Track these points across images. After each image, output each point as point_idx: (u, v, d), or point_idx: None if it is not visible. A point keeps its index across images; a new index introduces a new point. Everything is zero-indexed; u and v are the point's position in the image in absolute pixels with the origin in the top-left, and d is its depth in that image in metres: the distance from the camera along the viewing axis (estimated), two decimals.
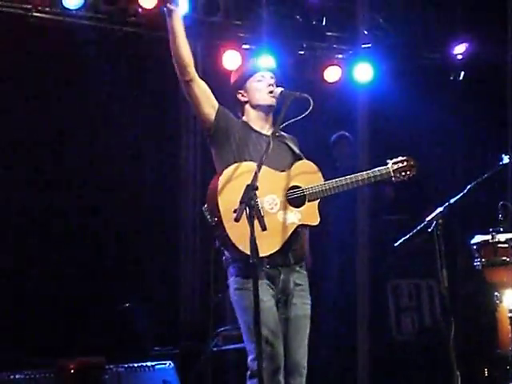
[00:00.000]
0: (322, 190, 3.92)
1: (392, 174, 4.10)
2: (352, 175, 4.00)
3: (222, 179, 3.79)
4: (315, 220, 3.94)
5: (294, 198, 3.90)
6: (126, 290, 6.50)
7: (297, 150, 4.05)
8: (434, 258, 4.95)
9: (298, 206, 3.90)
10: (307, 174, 3.95)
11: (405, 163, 4.13)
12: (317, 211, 3.94)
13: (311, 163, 4.02)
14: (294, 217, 3.88)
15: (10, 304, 6.12)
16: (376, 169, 4.07)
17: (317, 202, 3.94)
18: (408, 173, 4.13)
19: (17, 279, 6.26)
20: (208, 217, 3.78)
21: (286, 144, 4.03)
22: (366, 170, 4.05)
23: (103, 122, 6.65)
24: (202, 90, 3.92)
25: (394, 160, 4.14)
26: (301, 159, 4.01)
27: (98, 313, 6.32)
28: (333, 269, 7.09)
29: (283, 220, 3.85)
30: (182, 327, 6.71)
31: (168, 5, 3.86)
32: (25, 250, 6.35)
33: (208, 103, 3.93)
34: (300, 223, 3.90)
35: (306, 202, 3.91)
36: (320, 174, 4.01)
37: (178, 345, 6.34)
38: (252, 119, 4.04)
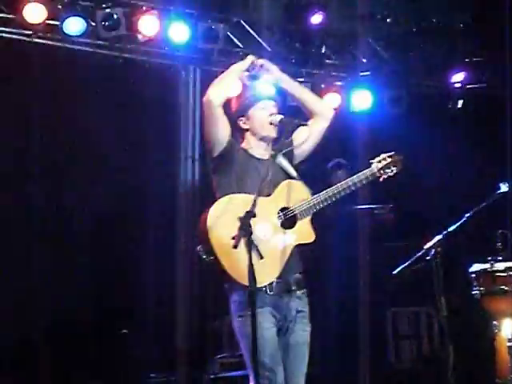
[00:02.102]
0: (311, 206, 3.89)
1: (378, 174, 4.06)
2: (338, 184, 3.95)
3: (210, 215, 3.76)
4: (310, 237, 3.90)
5: (286, 220, 3.87)
6: (123, 317, 6.47)
7: (290, 169, 4.01)
8: (432, 286, 4.94)
9: (290, 227, 3.87)
10: (293, 193, 3.91)
11: (388, 160, 4.09)
12: (310, 228, 3.91)
13: (295, 181, 3.97)
14: (289, 238, 3.85)
15: (7, 329, 6.09)
16: (361, 173, 4.03)
17: (309, 218, 3.90)
18: (393, 168, 4.10)
19: (14, 305, 6.24)
20: (204, 256, 3.76)
21: (279, 166, 4.01)
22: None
23: (103, 146, 6.67)
24: (223, 117, 3.94)
25: (377, 159, 4.10)
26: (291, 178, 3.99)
27: (95, 339, 6.29)
28: (334, 296, 7.07)
29: (279, 244, 3.83)
30: (178, 354, 6.67)
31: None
32: (20, 273, 6.33)
33: (225, 128, 3.94)
34: (296, 243, 3.87)
35: (298, 221, 3.88)
36: (306, 189, 3.97)
37: (175, 372, 6.30)
38: (252, 147, 4.05)
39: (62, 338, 6.26)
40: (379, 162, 4.09)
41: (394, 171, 4.11)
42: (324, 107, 4.21)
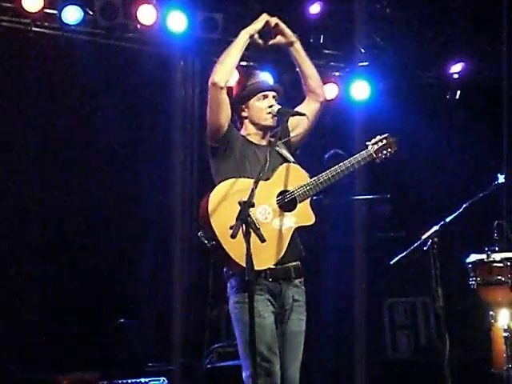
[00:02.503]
0: (311, 188, 3.92)
1: (374, 156, 4.09)
2: (336, 166, 3.98)
3: (211, 200, 3.78)
4: (311, 219, 3.93)
5: (285, 203, 3.89)
6: (120, 306, 6.48)
7: (287, 155, 4.03)
8: (429, 276, 4.96)
9: (290, 210, 3.89)
10: (292, 176, 3.93)
11: (384, 141, 4.12)
12: (310, 210, 3.93)
13: (293, 164, 3.99)
14: (290, 221, 3.87)
15: (4, 320, 6.10)
16: (357, 154, 4.06)
17: (308, 200, 3.93)
18: (390, 150, 4.13)
19: (12, 296, 6.24)
20: (206, 242, 3.76)
21: (277, 151, 4.02)
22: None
23: (100, 134, 6.67)
24: (226, 100, 3.94)
25: (373, 141, 4.13)
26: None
27: (92, 328, 6.29)
28: (329, 287, 7.08)
29: (280, 227, 3.84)
30: (176, 343, 6.68)
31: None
32: (20, 266, 6.34)
33: (226, 113, 3.94)
34: (297, 226, 3.89)
35: (298, 204, 3.90)
36: (304, 172, 3.99)
37: (172, 361, 6.31)
38: (251, 134, 4.06)
39: (58, 328, 6.27)
40: (375, 143, 4.12)
41: (390, 152, 4.13)
42: (321, 87, 4.19)
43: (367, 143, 4.13)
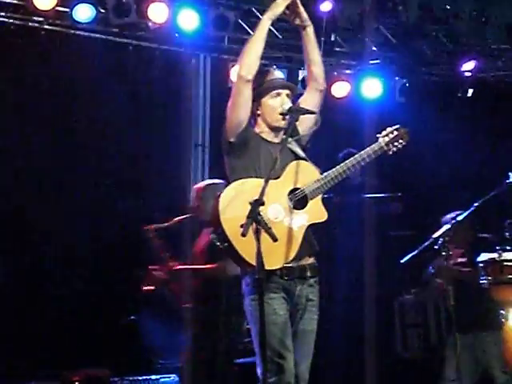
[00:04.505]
0: (322, 185, 3.89)
1: (385, 148, 4.03)
2: (347, 161, 3.94)
3: (222, 200, 3.77)
4: (323, 216, 3.90)
5: (297, 201, 3.86)
6: (132, 303, 6.50)
7: (299, 151, 4.01)
8: None
9: (302, 208, 3.86)
10: (302, 173, 3.91)
11: (395, 133, 4.07)
12: (322, 207, 3.90)
13: (303, 161, 3.96)
14: (302, 219, 3.85)
15: (15, 316, 6.14)
16: (368, 148, 4.01)
17: (319, 197, 3.90)
18: (401, 141, 4.07)
19: (22, 292, 6.28)
20: (218, 243, 3.77)
21: (289, 149, 4.01)
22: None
23: (111, 132, 6.69)
24: (250, 95, 3.92)
25: (384, 133, 4.08)
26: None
27: (104, 325, 6.32)
28: (340, 285, 7.08)
29: (292, 225, 3.82)
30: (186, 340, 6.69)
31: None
32: (30, 262, 6.37)
33: (248, 110, 3.93)
34: (309, 223, 3.87)
35: (309, 201, 3.87)
36: (314, 168, 3.96)
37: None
38: (264, 132, 4.04)
39: (69, 324, 6.30)
40: (386, 135, 4.07)
41: (402, 144, 4.08)
42: (323, 76, 4.15)
43: (378, 136, 4.08)
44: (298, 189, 3.89)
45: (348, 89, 7.22)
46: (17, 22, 6.10)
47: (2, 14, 6.06)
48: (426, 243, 5.12)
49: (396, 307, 7.34)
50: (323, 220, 3.90)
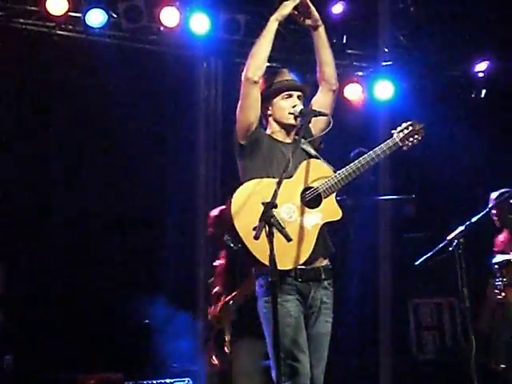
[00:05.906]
0: (336, 183, 3.84)
1: (400, 144, 3.98)
2: (361, 158, 3.89)
3: (234, 202, 3.74)
4: (337, 214, 3.86)
5: (310, 200, 3.83)
6: (145, 307, 6.50)
7: (312, 151, 3.98)
8: (455, 276, 4.91)
9: (316, 207, 3.83)
10: (315, 172, 3.88)
11: (410, 128, 4.01)
12: (336, 205, 3.86)
13: (315, 160, 3.92)
14: (316, 218, 3.82)
15: (31, 320, 6.16)
16: (382, 144, 3.96)
17: (333, 195, 3.86)
18: (416, 136, 4.02)
19: (38, 296, 6.31)
20: (232, 245, 3.75)
21: (303, 148, 3.97)
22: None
23: (124, 136, 6.71)
24: (258, 97, 3.91)
25: (399, 129, 4.02)
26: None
27: (118, 329, 6.33)
28: (354, 286, 7.06)
29: (306, 225, 3.79)
30: (200, 343, 6.69)
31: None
32: (45, 268, 6.40)
33: (256, 111, 3.91)
34: (323, 222, 3.83)
35: (323, 200, 3.84)
36: (327, 167, 3.92)
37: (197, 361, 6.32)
38: (276, 132, 4.03)
39: (84, 328, 6.32)
40: (401, 131, 4.01)
41: (417, 139, 4.03)
42: (335, 76, 4.13)
43: (392, 131, 4.03)
44: (311, 187, 3.86)
45: (360, 91, 7.20)
46: (29, 27, 6.14)
47: (16, 20, 6.10)
48: (441, 245, 5.08)
49: (411, 309, 7.32)
50: (338, 218, 3.86)
